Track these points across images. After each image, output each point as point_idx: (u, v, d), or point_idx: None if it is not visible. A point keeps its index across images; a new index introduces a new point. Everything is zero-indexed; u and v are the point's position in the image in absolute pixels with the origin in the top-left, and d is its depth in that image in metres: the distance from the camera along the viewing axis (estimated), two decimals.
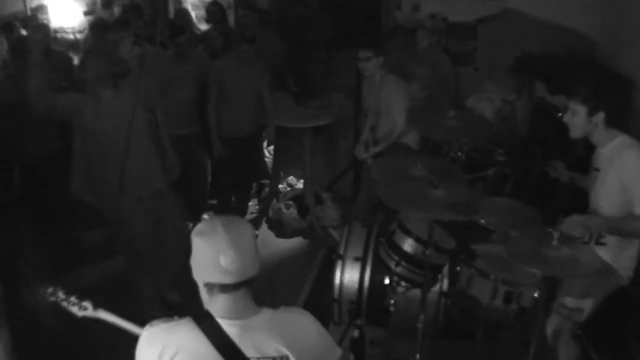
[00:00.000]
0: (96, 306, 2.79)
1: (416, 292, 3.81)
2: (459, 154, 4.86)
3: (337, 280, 4.12)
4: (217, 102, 5.54)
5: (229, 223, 2.02)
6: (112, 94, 4.19)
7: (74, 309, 2.80)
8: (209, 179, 6.03)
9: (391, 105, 5.13)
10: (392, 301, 3.90)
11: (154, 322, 2.07)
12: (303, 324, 2.13)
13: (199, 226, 2.05)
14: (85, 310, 2.77)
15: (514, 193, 4.74)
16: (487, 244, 4.02)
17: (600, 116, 3.42)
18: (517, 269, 3.68)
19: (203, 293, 2.04)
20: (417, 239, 3.71)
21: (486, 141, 5.08)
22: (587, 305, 3.55)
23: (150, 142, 4.40)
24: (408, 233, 3.74)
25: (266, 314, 2.06)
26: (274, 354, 2.00)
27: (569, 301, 3.57)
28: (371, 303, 4.08)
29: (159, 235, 4.49)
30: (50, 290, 2.83)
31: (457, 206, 3.44)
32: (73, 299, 2.81)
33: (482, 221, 4.03)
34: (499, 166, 4.96)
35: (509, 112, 5.64)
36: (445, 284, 3.94)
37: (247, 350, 1.98)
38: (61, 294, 2.81)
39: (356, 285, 4.08)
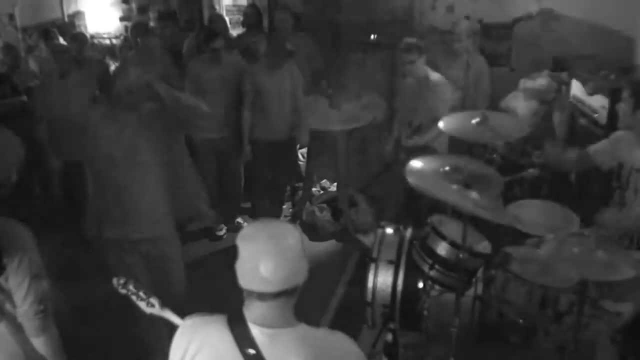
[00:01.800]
0: (163, 305, 2.80)
1: (450, 296, 3.76)
2: (494, 155, 4.79)
3: (370, 284, 4.09)
4: (252, 106, 5.57)
5: (273, 229, 1.97)
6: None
7: (142, 304, 2.81)
8: (242, 183, 6.05)
9: (437, 107, 5.08)
10: (425, 305, 3.86)
11: (193, 315, 2.08)
12: (342, 350, 2.02)
13: (244, 230, 2.00)
14: (152, 307, 2.79)
15: (551, 195, 4.67)
16: (522, 247, 3.96)
17: None
18: (553, 273, 3.62)
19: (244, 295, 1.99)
20: (451, 243, 3.66)
21: (522, 142, 5.01)
22: (627, 309, 3.47)
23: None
24: (442, 237, 3.70)
25: (302, 329, 1.99)
26: None
27: (608, 305, 3.50)
28: (404, 307, 4.04)
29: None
30: (122, 281, 2.84)
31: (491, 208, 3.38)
32: (142, 294, 2.82)
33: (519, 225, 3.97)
34: (536, 168, 4.88)
35: (546, 113, 5.56)
36: (479, 288, 3.89)
37: None
38: (132, 287, 2.83)
39: (389, 289, 4.04)
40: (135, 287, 2.85)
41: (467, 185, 3.41)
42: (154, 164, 3.69)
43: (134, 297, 2.84)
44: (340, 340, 2.04)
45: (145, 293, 2.84)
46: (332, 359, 1.97)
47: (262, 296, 1.93)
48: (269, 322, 1.95)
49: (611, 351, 3.59)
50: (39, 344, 2.54)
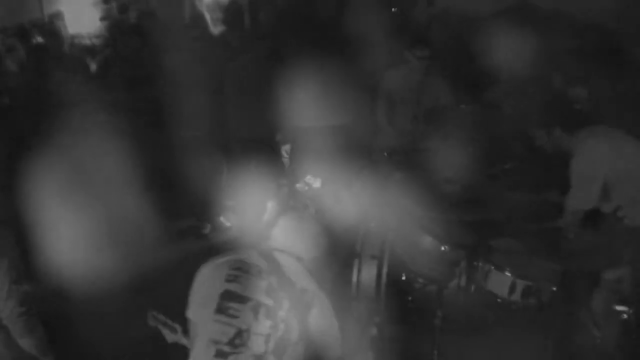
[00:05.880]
0: (185, 332, 2.81)
1: (434, 288, 3.78)
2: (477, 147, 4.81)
3: (354, 279, 4.10)
4: (234, 103, 5.53)
5: None
6: None
7: (166, 332, 2.81)
8: (226, 180, 6.01)
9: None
10: (410, 298, 3.88)
11: None
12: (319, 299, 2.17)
13: None
14: (175, 333, 2.79)
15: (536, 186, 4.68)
16: (505, 238, 3.97)
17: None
18: (535, 264, 3.64)
19: None
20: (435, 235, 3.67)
21: (505, 134, 5.03)
22: (626, 272, 3.49)
23: None
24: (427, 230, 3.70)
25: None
26: None
27: (608, 274, 3.52)
28: (389, 300, 4.06)
29: None
30: (154, 314, 2.85)
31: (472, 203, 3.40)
32: (169, 322, 2.83)
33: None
34: (520, 159, 4.90)
35: (529, 104, 5.58)
36: (463, 280, 3.90)
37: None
38: (162, 317, 2.84)
39: (374, 284, 4.06)
40: (164, 317, 2.88)
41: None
42: None
43: (160, 327, 2.85)
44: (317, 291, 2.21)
45: (170, 320, 2.87)
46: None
47: None
48: None
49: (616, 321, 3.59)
50: (25, 344, 2.57)
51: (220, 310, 2.11)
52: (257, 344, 2.08)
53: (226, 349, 2.07)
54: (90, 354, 4.22)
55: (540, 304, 3.59)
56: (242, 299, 2.11)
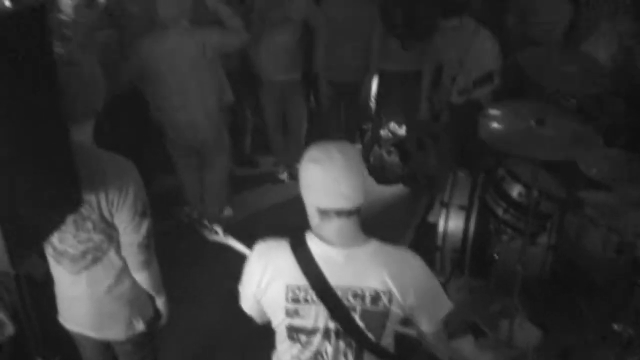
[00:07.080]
0: (226, 232, 2.88)
1: (519, 244, 3.69)
2: (571, 100, 4.63)
3: (440, 229, 4.08)
4: (325, 45, 5.48)
5: (343, 148, 2.01)
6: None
7: (206, 232, 2.90)
8: (305, 126, 5.98)
9: (484, 64, 4.87)
10: (496, 249, 3.83)
11: (265, 239, 2.16)
12: (412, 263, 2.08)
13: (312, 153, 2.03)
14: (216, 234, 2.88)
15: (630, 145, 4.50)
16: (596, 190, 3.84)
17: None
18: (628, 218, 3.53)
19: (313, 218, 2.07)
20: (526, 185, 3.59)
21: (601, 89, 4.82)
22: None
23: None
24: (517, 179, 3.62)
25: (374, 244, 2.06)
26: (377, 286, 2.00)
27: None
28: (475, 252, 4.03)
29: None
30: (186, 210, 2.91)
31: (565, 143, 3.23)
32: (205, 222, 2.91)
33: (594, 171, 3.85)
34: (615, 116, 4.72)
35: (627, 59, 5.32)
36: (553, 237, 3.80)
37: (349, 279, 2.01)
38: (195, 214, 2.91)
39: (460, 234, 4.03)
40: (198, 216, 2.94)
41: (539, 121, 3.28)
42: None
43: (197, 225, 2.92)
44: (408, 255, 2.11)
45: (207, 222, 2.93)
46: (402, 271, 2.03)
47: (340, 213, 2.00)
48: (344, 241, 2.03)
49: None
50: (142, 277, 2.59)
51: (292, 338, 2.10)
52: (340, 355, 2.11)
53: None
54: None
55: (634, 260, 3.49)
56: (309, 332, 2.08)
